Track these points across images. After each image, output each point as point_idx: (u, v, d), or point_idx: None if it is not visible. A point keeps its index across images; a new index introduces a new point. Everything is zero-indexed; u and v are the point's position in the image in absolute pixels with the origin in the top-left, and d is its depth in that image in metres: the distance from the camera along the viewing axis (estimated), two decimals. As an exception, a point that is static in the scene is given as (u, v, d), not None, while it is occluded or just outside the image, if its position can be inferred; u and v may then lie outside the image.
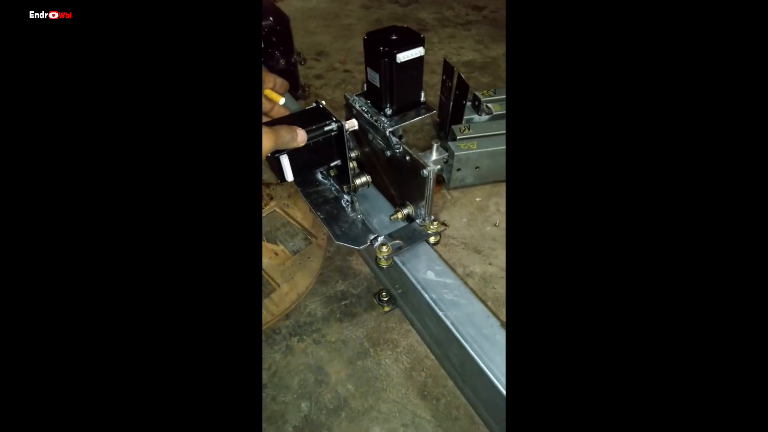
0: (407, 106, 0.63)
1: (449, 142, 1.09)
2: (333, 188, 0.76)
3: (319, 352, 0.83)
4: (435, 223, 0.65)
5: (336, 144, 0.63)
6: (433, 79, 1.32)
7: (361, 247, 0.66)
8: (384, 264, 0.64)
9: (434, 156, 0.57)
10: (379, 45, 0.56)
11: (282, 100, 0.62)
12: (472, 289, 0.60)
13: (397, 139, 0.61)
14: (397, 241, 0.64)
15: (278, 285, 0.92)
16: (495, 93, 1.24)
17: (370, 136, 0.67)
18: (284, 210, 1.06)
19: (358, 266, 0.96)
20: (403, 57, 0.56)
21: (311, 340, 0.84)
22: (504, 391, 0.47)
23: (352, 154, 0.74)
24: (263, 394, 0.77)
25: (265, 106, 0.62)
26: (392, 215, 0.68)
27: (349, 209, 0.72)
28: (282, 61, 1.22)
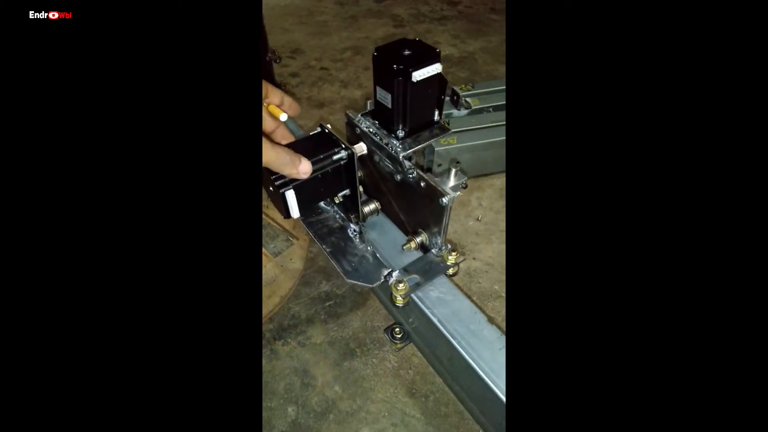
0: (421, 126, 0.56)
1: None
2: (337, 215, 0.68)
3: (305, 354, 0.81)
4: (454, 253, 0.58)
5: (346, 173, 0.56)
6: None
7: (374, 285, 0.59)
8: (400, 302, 0.57)
9: (452, 182, 0.52)
10: (392, 63, 0.49)
11: (284, 116, 0.55)
12: (457, 285, 0.59)
13: (410, 164, 0.55)
14: (414, 276, 0.57)
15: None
16: (473, 88, 1.24)
17: (377, 158, 0.60)
18: (264, 211, 1.04)
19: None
20: (419, 75, 0.49)
21: (296, 343, 0.83)
22: (492, 386, 0.47)
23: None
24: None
25: (268, 125, 0.56)
26: (405, 245, 0.61)
27: (358, 240, 0.64)
28: (256, 59, 1.20)
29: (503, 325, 0.85)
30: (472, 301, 0.57)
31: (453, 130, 1.11)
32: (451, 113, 1.20)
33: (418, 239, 0.61)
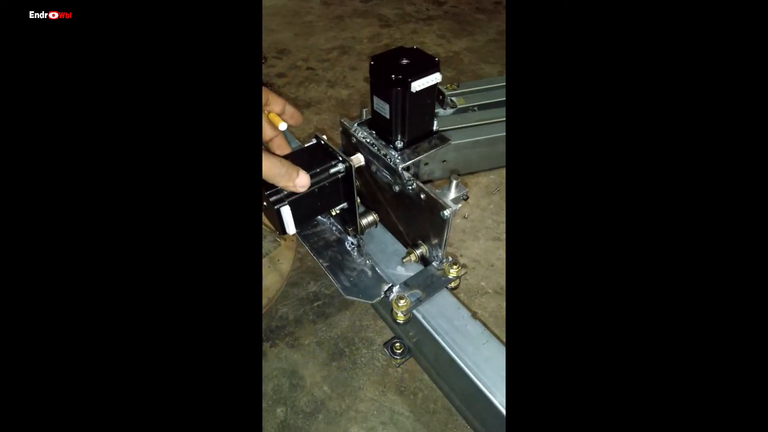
0: (419, 137, 0.55)
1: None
2: (333, 228, 0.66)
3: (293, 355, 0.81)
4: (455, 266, 0.57)
5: (343, 186, 0.54)
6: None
7: (374, 301, 0.58)
8: (401, 319, 0.55)
9: (452, 194, 0.50)
10: (390, 72, 0.48)
11: (283, 126, 0.53)
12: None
13: (410, 175, 0.54)
14: (416, 291, 0.55)
15: (247, 290, 0.89)
16: (459, 87, 1.25)
17: (374, 168, 0.58)
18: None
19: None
20: (418, 86, 0.48)
21: (284, 344, 0.83)
22: (476, 381, 0.47)
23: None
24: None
25: (266, 133, 0.53)
26: (404, 257, 0.60)
27: (356, 253, 0.63)
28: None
29: (489, 320, 0.86)
30: (458, 297, 0.57)
31: (439, 129, 1.12)
32: (437, 112, 1.20)
33: (418, 251, 0.59)
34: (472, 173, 1.16)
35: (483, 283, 0.93)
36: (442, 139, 0.57)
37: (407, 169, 0.54)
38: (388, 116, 0.52)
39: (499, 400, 0.46)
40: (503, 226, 1.04)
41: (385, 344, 0.63)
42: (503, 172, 1.18)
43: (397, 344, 0.62)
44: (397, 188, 0.56)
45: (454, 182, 0.51)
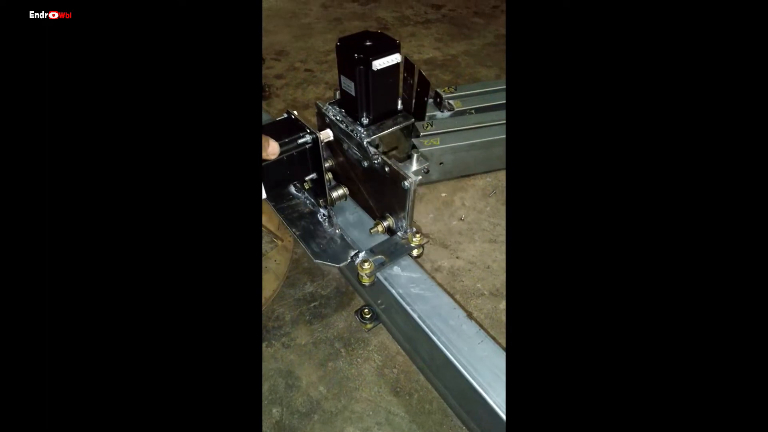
0: (384, 114, 0.60)
1: (413, 139, 1.09)
2: (308, 201, 0.71)
3: (289, 356, 0.81)
4: (417, 235, 0.62)
5: (311, 157, 0.59)
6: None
7: (341, 265, 0.63)
8: (367, 281, 0.60)
9: (414, 166, 0.54)
10: (354, 52, 0.53)
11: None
12: (438, 283, 0.60)
13: (375, 150, 0.58)
14: (380, 257, 0.60)
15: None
16: (456, 90, 1.26)
17: (345, 146, 0.63)
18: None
19: (327, 267, 0.95)
20: (379, 64, 0.53)
21: (280, 345, 0.83)
22: (470, 380, 0.48)
23: (327, 165, 0.70)
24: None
25: None
26: (372, 228, 0.65)
27: (327, 224, 0.68)
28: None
29: (484, 322, 0.87)
30: (455, 298, 0.58)
31: (436, 132, 1.12)
32: (435, 115, 1.21)
33: (385, 223, 0.64)
34: (468, 176, 1.17)
35: (479, 285, 0.93)
36: (405, 117, 0.61)
37: (373, 144, 0.58)
38: (354, 94, 0.57)
39: (493, 399, 0.46)
40: (499, 229, 1.05)
41: (356, 312, 0.68)
42: (500, 174, 1.18)
43: (366, 310, 0.67)
44: (365, 164, 0.61)
45: (415, 156, 0.56)
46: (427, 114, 1.19)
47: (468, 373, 0.48)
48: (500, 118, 1.16)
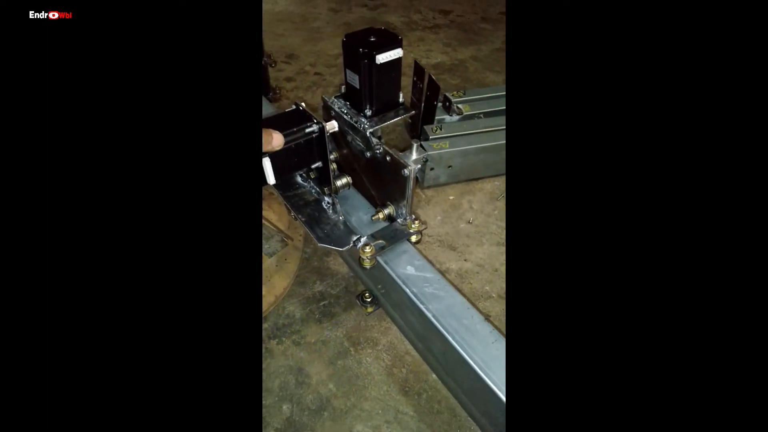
0: (386, 107, 0.63)
1: (422, 142, 1.11)
2: (313, 190, 0.75)
3: (299, 353, 0.82)
4: (416, 222, 0.65)
5: (317, 146, 0.63)
6: (403, 81, 1.34)
7: (343, 249, 0.66)
8: (367, 264, 0.63)
9: (414, 155, 0.58)
10: (359, 46, 0.56)
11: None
12: (451, 282, 0.61)
13: (377, 140, 0.62)
14: (380, 241, 0.64)
15: (255, 288, 0.90)
16: (464, 94, 1.27)
17: (350, 138, 0.67)
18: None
19: (336, 267, 0.96)
20: (382, 58, 0.56)
21: (290, 342, 0.84)
22: (485, 378, 0.49)
23: (332, 156, 0.74)
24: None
25: None
26: (373, 215, 0.68)
27: (331, 211, 0.71)
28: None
29: (493, 324, 0.87)
30: (465, 296, 0.59)
31: (445, 135, 1.13)
32: (443, 119, 1.22)
33: (386, 211, 0.67)
34: (477, 179, 1.18)
35: (487, 288, 0.94)
36: (406, 109, 0.65)
37: (376, 135, 0.62)
38: (358, 86, 0.60)
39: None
40: (507, 232, 1.06)
41: (357, 296, 0.71)
42: (507, 178, 1.19)
43: (366, 293, 0.70)
44: (368, 154, 0.64)
45: (415, 146, 0.58)
46: (436, 118, 1.20)
47: (483, 373, 0.49)
48: (509, 122, 1.17)
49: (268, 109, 0.80)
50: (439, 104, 1.24)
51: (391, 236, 0.64)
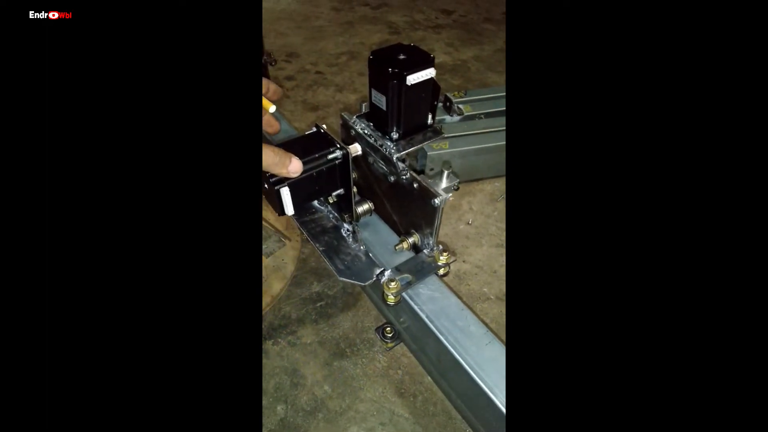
0: (414, 129, 0.58)
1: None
2: (331, 215, 0.69)
3: (295, 354, 0.82)
4: (445, 253, 0.59)
5: (340, 172, 0.57)
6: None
7: (366, 283, 0.60)
8: (392, 301, 0.58)
9: (444, 183, 0.53)
10: (387, 66, 0.50)
11: (272, 108, 0.56)
12: (446, 284, 0.60)
13: (404, 165, 0.56)
14: (406, 275, 0.58)
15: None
16: (465, 95, 1.27)
17: (371, 159, 0.61)
18: (257, 212, 1.04)
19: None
20: (413, 79, 0.51)
21: (286, 343, 0.83)
22: (477, 380, 0.48)
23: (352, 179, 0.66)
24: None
25: None
26: (397, 245, 0.62)
27: (351, 239, 0.65)
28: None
29: (491, 325, 0.87)
30: (460, 298, 0.58)
31: (445, 136, 1.13)
32: (444, 119, 1.22)
33: (411, 240, 0.61)
34: (477, 180, 1.17)
35: (485, 289, 0.93)
36: (435, 132, 0.59)
37: (402, 159, 0.56)
38: (384, 108, 0.54)
39: (500, 400, 0.46)
40: (506, 233, 1.05)
41: (377, 329, 0.66)
42: (508, 179, 1.19)
43: (388, 329, 0.65)
44: (392, 179, 0.59)
45: (446, 173, 0.53)
46: (437, 118, 1.19)
47: (475, 374, 0.48)
48: (509, 123, 1.16)
49: (280, 119, 0.75)
50: (440, 104, 1.23)
51: (418, 270, 0.59)
